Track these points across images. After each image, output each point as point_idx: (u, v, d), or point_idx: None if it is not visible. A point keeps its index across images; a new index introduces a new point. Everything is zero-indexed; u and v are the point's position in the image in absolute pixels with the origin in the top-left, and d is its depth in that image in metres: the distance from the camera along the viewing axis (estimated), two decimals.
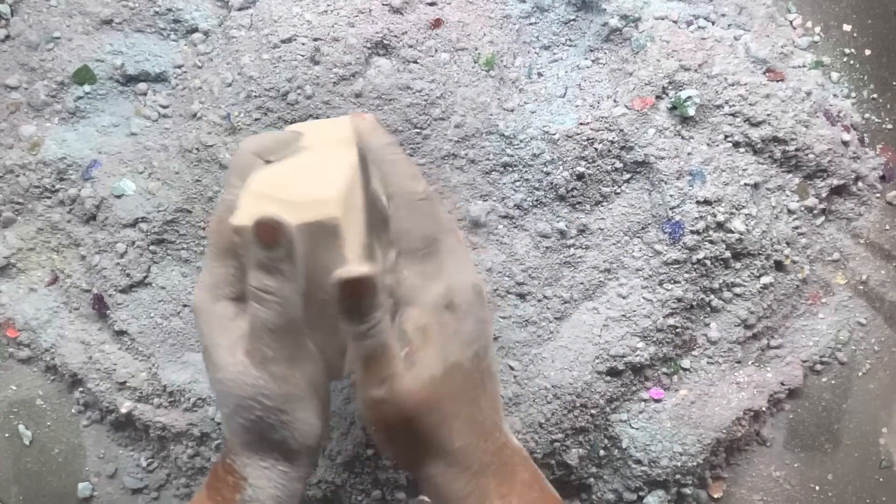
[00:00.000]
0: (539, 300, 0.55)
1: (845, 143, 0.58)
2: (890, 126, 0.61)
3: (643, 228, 0.55)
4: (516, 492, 0.37)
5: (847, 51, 0.62)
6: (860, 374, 0.59)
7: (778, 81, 0.56)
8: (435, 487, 0.37)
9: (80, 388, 0.57)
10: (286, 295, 0.35)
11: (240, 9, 0.57)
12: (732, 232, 0.54)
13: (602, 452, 0.55)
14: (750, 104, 0.55)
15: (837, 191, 0.59)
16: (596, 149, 0.54)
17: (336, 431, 0.53)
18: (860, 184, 0.60)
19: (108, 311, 0.55)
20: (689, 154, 0.54)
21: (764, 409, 0.57)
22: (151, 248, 0.55)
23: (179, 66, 0.57)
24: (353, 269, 0.34)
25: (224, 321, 0.37)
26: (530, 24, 0.58)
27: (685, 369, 0.57)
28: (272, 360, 0.36)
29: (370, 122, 0.40)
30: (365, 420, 0.37)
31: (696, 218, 0.53)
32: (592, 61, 0.57)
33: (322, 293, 0.37)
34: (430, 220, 0.38)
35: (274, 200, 0.36)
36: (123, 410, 0.55)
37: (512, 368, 0.54)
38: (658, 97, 0.55)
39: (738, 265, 0.56)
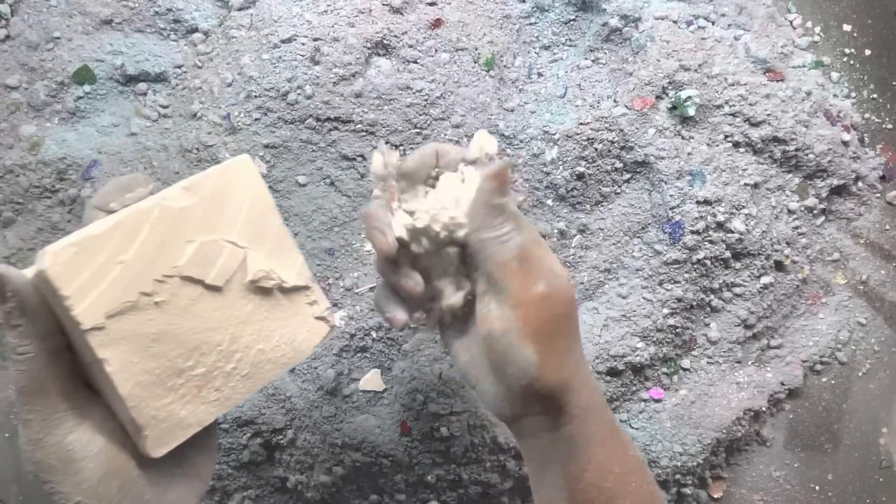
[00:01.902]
0: None
1: (845, 143, 0.58)
2: (890, 126, 0.61)
3: (643, 228, 0.55)
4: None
5: (847, 51, 0.62)
6: (860, 374, 0.59)
7: (778, 81, 0.56)
8: (583, 405, 0.37)
9: None
10: (29, 353, 0.32)
11: (240, 9, 0.57)
12: (732, 232, 0.54)
13: None
14: (750, 104, 0.55)
15: (837, 191, 0.59)
16: (596, 149, 0.54)
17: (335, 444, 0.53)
18: (860, 184, 0.60)
19: None
20: (689, 154, 0.54)
21: (764, 409, 0.57)
22: None
23: (179, 66, 0.57)
24: (499, 162, 0.37)
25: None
26: (530, 24, 0.58)
27: (685, 369, 0.57)
28: (27, 423, 0.33)
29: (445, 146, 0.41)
30: (520, 321, 0.36)
31: (696, 218, 0.53)
32: (592, 61, 0.57)
33: (85, 353, 0.34)
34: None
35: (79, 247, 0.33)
36: None
37: None
38: (658, 97, 0.55)
39: (738, 265, 0.56)
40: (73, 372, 0.34)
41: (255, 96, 0.54)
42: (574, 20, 0.58)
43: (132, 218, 0.35)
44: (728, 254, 0.55)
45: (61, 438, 0.33)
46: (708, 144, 0.55)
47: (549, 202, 0.56)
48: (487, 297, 0.37)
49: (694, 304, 0.55)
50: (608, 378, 0.54)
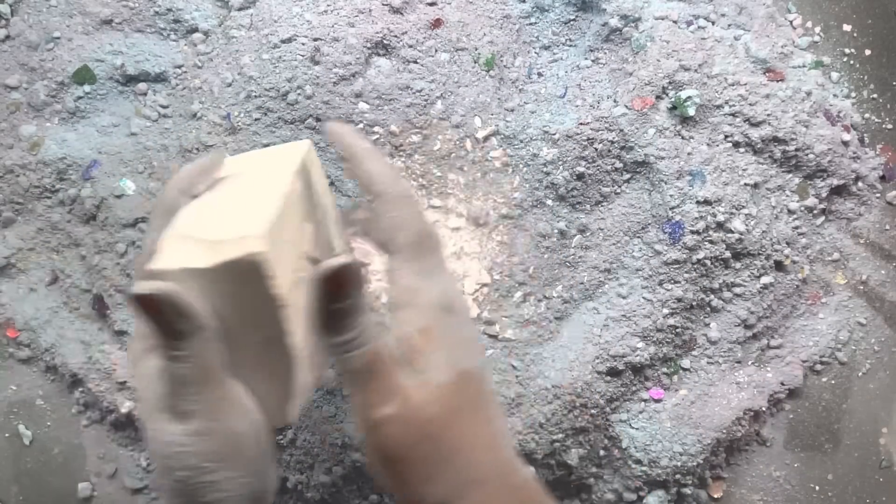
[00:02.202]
0: (539, 300, 0.55)
1: (845, 143, 0.58)
2: (890, 126, 0.61)
3: (643, 228, 0.55)
4: None
5: (847, 51, 0.62)
6: (860, 374, 0.59)
7: (778, 81, 0.56)
8: None
9: (80, 388, 0.57)
10: (195, 347, 0.31)
11: (240, 9, 0.57)
12: (732, 232, 0.54)
13: (602, 452, 0.55)
14: (750, 104, 0.55)
15: (837, 191, 0.59)
16: (596, 149, 0.54)
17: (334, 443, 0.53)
18: (860, 184, 0.60)
19: (108, 311, 0.55)
20: (689, 154, 0.54)
21: (764, 409, 0.57)
22: None
23: (179, 66, 0.57)
24: (333, 260, 0.31)
25: (151, 375, 0.33)
26: (530, 24, 0.58)
27: (685, 369, 0.57)
28: (191, 414, 0.31)
29: (349, 128, 0.38)
30: (368, 447, 0.32)
31: (696, 218, 0.54)
32: (592, 61, 0.57)
33: (257, 332, 0.34)
34: (421, 216, 0.35)
35: (193, 240, 0.32)
36: (123, 410, 0.55)
37: (514, 368, 0.54)
38: (658, 97, 0.55)
39: (738, 265, 0.56)
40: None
41: (255, 96, 0.54)
42: (574, 20, 0.58)
43: (288, 199, 0.35)
44: (728, 254, 0.55)
45: (230, 424, 0.32)
46: (708, 144, 0.55)
47: (549, 202, 0.56)
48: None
49: (694, 304, 0.55)
50: (608, 378, 0.54)
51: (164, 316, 0.30)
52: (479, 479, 0.32)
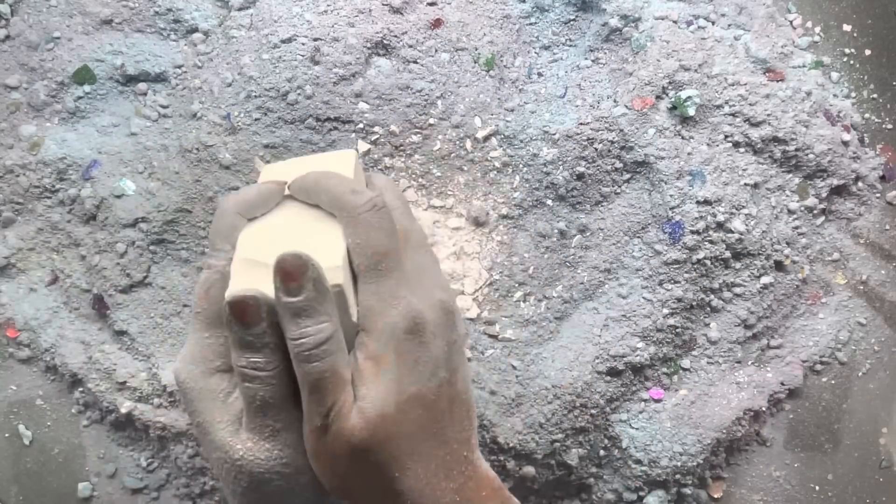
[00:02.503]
0: (539, 300, 0.55)
1: (845, 143, 0.58)
2: (890, 126, 0.61)
3: (643, 228, 0.55)
4: None
5: (847, 51, 0.62)
6: (860, 374, 0.59)
7: (778, 81, 0.56)
8: None
9: (80, 388, 0.57)
10: (279, 368, 0.32)
11: (240, 9, 0.57)
12: (732, 232, 0.54)
13: (602, 452, 0.55)
14: (750, 104, 0.55)
15: (837, 191, 0.59)
16: (596, 149, 0.54)
17: None
18: (860, 184, 0.60)
19: (108, 311, 0.55)
20: (689, 154, 0.54)
21: (764, 409, 0.57)
22: (151, 248, 0.55)
23: (179, 66, 0.57)
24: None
25: (220, 397, 0.34)
26: (530, 24, 0.58)
27: (685, 369, 0.57)
28: (282, 430, 0.33)
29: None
30: (308, 451, 0.33)
31: (696, 218, 0.54)
32: (592, 61, 0.57)
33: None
34: (380, 232, 0.34)
35: (266, 267, 0.32)
36: (123, 410, 0.55)
37: (514, 368, 0.54)
38: (658, 97, 0.55)
39: (738, 265, 0.56)
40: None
41: (255, 96, 0.54)
42: (574, 20, 0.58)
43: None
44: (728, 254, 0.55)
45: (290, 449, 0.33)
46: (708, 144, 0.55)
47: (549, 202, 0.56)
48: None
49: (694, 304, 0.55)
50: (608, 378, 0.54)
51: (251, 326, 0.31)
52: (405, 489, 0.33)
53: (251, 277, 0.33)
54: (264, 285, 0.32)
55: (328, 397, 0.32)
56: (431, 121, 0.55)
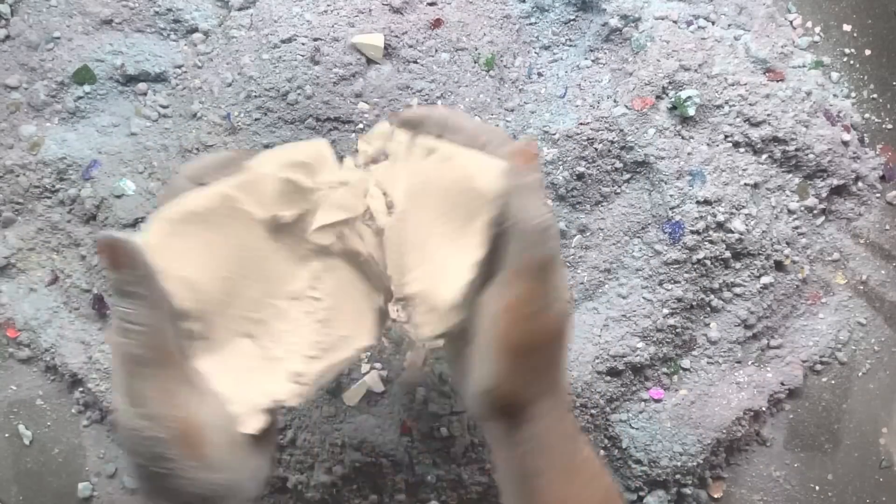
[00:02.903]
0: None
1: (845, 143, 0.58)
2: (890, 126, 0.61)
3: (643, 228, 0.55)
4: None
5: (847, 51, 0.62)
6: (860, 374, 0.59)
7: (778, 81, 0.56)
8: (546, 426, 0.35)
9: (80, 388, 0.57)
10: (148, 322, 0.31)
11: (240, 9, 0.57)
12: (732, 232, 0.54)
13: (602, 452, 0.55)
14: (750, 104, 0.55)
15: (837, 191, 0.59)
16: (596, 149, 0.54)
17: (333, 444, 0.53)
18: (860, 184, 0.60)
19: (108, 311, 0.55)
20: (689, 154, 0.54)
21: (764, 409, 0.57)
22: None
23: (179, 66, 0.57)
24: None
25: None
26: (530, 24, 0.58)
27: (685, 369, 0.57)
28: (141, 399, 0.31)
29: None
30: (504, 341, 0.33)
31: (696, 218, 0.54)
32: (592, 61, 0.57)
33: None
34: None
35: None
36: None
37: None
38: (658, 97, 0.55)
39: (738, 265, 0.56)
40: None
41: (255, 96, 0.54)
42: (574, 20, 0.58)
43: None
44: (728, 254, 0.55)
45: (188, 411, 0.31)
46: (708, 144, 0.55)
47: (549, 202, 0.56)
48: (494, 288, 0.34)
49: (694, 304, 0.55)
50: (608, 378, 0.54)
51: (120, 269, 0.30)
52: (563, 384, 0.36)
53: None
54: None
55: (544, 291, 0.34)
56: None
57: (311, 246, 0.36)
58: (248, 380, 0.34)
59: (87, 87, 0.56)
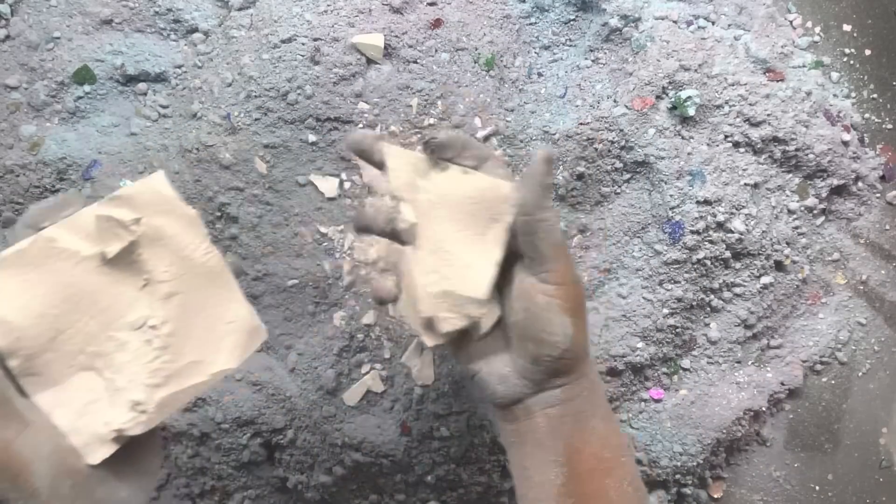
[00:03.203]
0: None
1: (845, 143, 0.58)
2: (890, 126, 0.61)
3: (643, 228, 0.55)
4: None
5: (847, 51, 0.62)
6: (860, 374, 0.59)
7: (778, 81, 0.56)
8: (590, 379, 0.40)
9: None
10: None
11: (240, 9, 0.57)
12: (732, 232, 0.54)
13: None
14: (750, 104, 0.55)
15: (837, 191, 0.59)
16: (596, 149, 0.54)
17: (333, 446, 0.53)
18: (860, 184, 0.60)
19: None
20: (689, 154, 0.54)
21: (764, 409, 0.57)
22: None
23: (179, 66, 0.57)
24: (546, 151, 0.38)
25: None
26: (530, 24, 0.58)
27: (685, 369, 0.57)
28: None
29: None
30: (568, 305, 0.38)
31: (696, 218, 0.54)
32: (592, 61, 0.57)
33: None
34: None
35: None
36: None
37: None
38: (658, 97, 0.55)
39: (738, 265, 0.56)
40: (8, 376, 0.34)
41: (255, 96, 0.54)
42: (574, 20, 0.58)
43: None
44: (728, 254, 0.55)
45: (9, 442, 0.33)
46: (708, 144, 0.55)
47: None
48: (524, 274, 0.39)
49: (694, 304, 0.55)
50: (608, 378, 0.54)
51: None
52: (587, 347, 0.41)
53: None
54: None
55: (570, 262, 0.40)
56: (431, 121, 0.55)
57: (147, 275, 0.37)
58: (91, 411, 0.35)
59: (87, 87, 0.56)
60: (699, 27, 0.57)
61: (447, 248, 0.39)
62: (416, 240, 0.40)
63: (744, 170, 0.55)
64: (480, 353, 0.40)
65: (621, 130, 0.54)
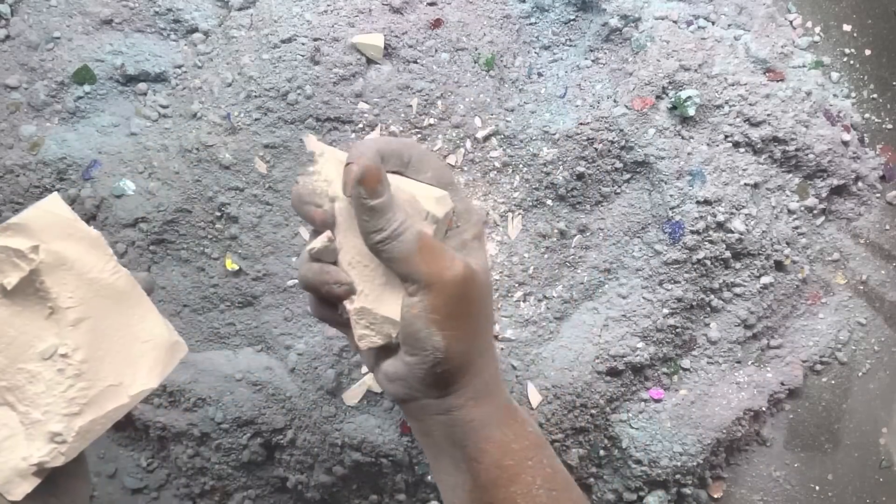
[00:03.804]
0: (539, 300, 0.55)
1: (845, 143, 0.58)
2: (890, 126, 0.61)
3: (643, 228, 0.55)
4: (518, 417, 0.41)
5: (847, 51, 0.62)
6: (860, 374, 0.59)
7: (778, 81, 0.56)
8: (477, 389, 0.39)
9: None
10: None
11: (240, 9, 0.57)
12: (732, 232, 0.54)
13: (602, 452, 0.55)
14: (750, 104, 0.55)
15: (837, 191, 0.59)
16: (596, 149, 0.54)
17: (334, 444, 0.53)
18: (860, 184, 0.60)
19: None
20: (689, 154, 0.54)
21: (764, 409, 0.57)
22: (151, 248, 0.55)
23: (179, 66, 0.57)
24: (359, 161, 0.35)
25: None
26: (530, 24, 0.58)
27: (685, 369, 0.57)
28: None
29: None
30: (429, 306, 0.36)
31: (696, 218, 0.54)
32: (592, 61, 0.57)
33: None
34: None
35: None
36: None
37: (514, 368, 0.54)
38: (658, 97, 0.55)
39: (738, 265, 0.56)
40: None
41: (255, 96, 0.54)
42: (574, 20, 0.58)
43: None
44: (728, 254, 0.55)
45: None
46: (708, 144, 0.55)
47: (549, 202, 0.56)
48: (403, 286, 0.37)
49: (694, 304, 0.55)
50: (608, 378, 0.54)
51: None
52: (493, 353, 0.40)
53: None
54: None
55: (442, 254, 0.37)
56: (431, 121, 0.55)
57: (51, 303, 0.36)
58: (8, 447, 0.35)
59: (87, 87, 0.56)
60: (699, 27, 0.57)
61: (365, 263, 0.38)
62: (340, 250, 0.39)
63: (744, 170, 0.55)
64: (380, 354, 0.40)
65: (621, 130, 0.54)
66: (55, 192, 0.38)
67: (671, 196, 0.54)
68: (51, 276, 0.36)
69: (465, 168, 0.55)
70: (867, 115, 0.61)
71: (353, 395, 0.54)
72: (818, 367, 0.59)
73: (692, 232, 0.54)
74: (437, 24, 0.55)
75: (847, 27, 0.62)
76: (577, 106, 0.55)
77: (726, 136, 0.55)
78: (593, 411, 0.54)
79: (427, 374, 0.37)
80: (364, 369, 0.54)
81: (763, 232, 0.55)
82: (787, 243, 0.57)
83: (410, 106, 0.54)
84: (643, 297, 0.55)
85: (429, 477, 0.53)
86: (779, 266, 0.57)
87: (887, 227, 0.61)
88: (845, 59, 0.62)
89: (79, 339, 0.36)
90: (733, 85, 0.55)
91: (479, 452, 0.38)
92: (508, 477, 0.38)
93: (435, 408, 0.39)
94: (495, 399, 0.40)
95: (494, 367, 0.40)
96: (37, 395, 0.35)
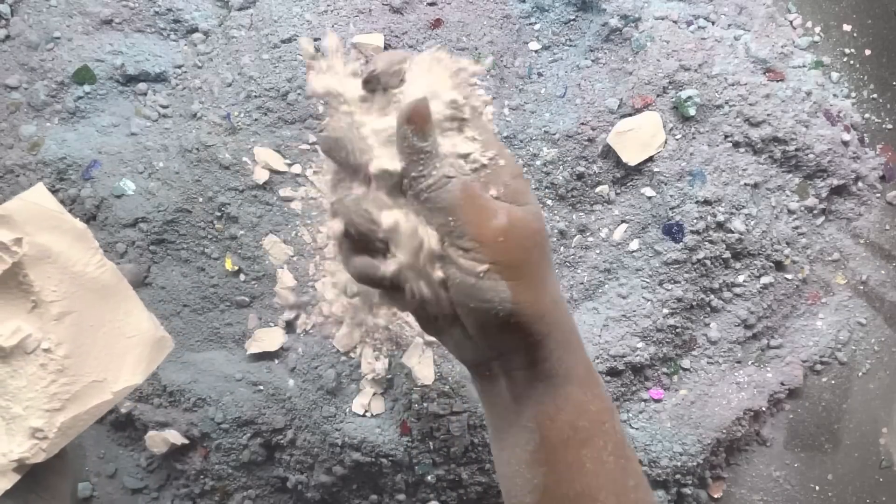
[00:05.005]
0: None
1: (845, 143, 0.58)
2: (890, 126, 0.61)
3: (643, 228, 0.55)
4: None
5: (847, 51, 0.62)
6: (860, 374, 0.59)
7: (778, 81, 0.56)
8: (557, 340, 0.36)
9: None
10: None
11: (240, 9, 0.57)
12: (732, 232, 0.54)
13: None
14: (750, 104, 0.55)
15: (837, 191, 0.59)
16: (596, 149, 0.54)
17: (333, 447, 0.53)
18: (860, 184, 0.60)
19: None
20: (689, 154, 0.54)
21: (764, 409, 0.57)
22: (151, 248, 0.55)
23: (179, 66, 0.57)
24: (412, 100, 0.34)
25: None
26: (530, 24, 0.58)
27: (685, 369, 0.57)
28: None
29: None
30: (486, 258, 0.34)
31: (696, 218, 0.54)
32: (592, 61, 0.57)
33: None
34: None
35: None
36: (123, 410, 0.55)
37: None
38: (658, 97, 0.55)
39: (738, 265, 0.56)
40: None
41: (255, 96, 0.54)
42: (574, 20, 0.58)
43: None
44: (728, 254, 0.55)
45: None
46: (708, 144, 0.55)
47: (549, 202, 0.56)
48: (447, 242, 0.35)
49: (694, 304, 0.55)
50: (608, 378, 0.54)
51: None
52: (565, 305, 0.38)
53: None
54: None
55: (486, 203, 0.35)
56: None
57: (34, 296, 0.35)
58: None
59: (87, 87, 0.56)
60: (699, 27, 0.57)
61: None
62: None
63: (744, 170, 0.55)
64: (442, 325, 0.37)
65: None
66: (40, 183, 0.37)
67: (671, 196, 0.54)
68: (34, 269, 0.35)
69: None
70: (867, 115, 0.61)
71: (360, 404, 0.53)
72: (818, 367, 0.59)
73: (692, 232, 0.54)
74: (437, 24, 0.55)
75: (847, 27, 0.62)
76: (577, 106, 0.55)
77: (726, 136, 0.55)
78: None
79: (502, 327, 0.35)
80: (364, 370, 0.54)
81: (763, 232, 0.55)
82: (787, 243, 0.57)
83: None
84: (643, 297, 0.55)
85: (429, 477, 0.53)
86: (779, 266, 0.57)
87: (887, 227, 0.61)
88: (845, 59, 0.62)
89: (62, 334, 0.36)
90: (733, 85, 0.55)
91: (557, 411, 0.36)
92: (580, 439, 0.36)
93: (508, 364, 0.36)
94: (575, 354, 0.37)
95: (571, 321, 0.38)
96: (18, 390, 0.35)
